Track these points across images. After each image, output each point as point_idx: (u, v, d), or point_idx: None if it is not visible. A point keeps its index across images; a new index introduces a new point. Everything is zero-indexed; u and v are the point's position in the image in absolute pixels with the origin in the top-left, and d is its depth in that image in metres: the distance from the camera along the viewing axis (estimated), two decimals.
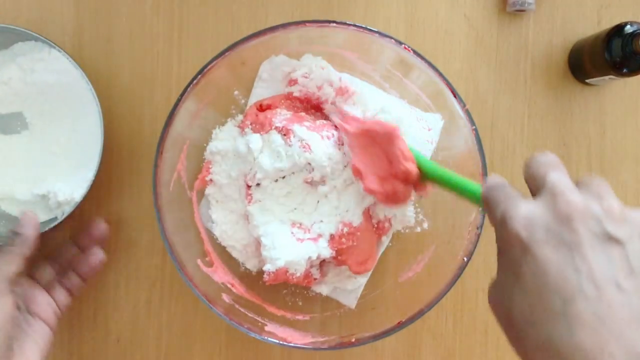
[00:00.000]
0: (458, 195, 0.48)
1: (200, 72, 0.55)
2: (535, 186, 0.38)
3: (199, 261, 0.58)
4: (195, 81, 0.55)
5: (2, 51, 0.63)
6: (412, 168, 0.53)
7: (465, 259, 0.55)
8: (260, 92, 0.62)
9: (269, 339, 0.54)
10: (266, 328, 0.56)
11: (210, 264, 0.59)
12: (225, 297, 0.58)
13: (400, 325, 0.55)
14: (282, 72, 0.61)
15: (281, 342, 0.54)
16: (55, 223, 0.60)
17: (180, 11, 0.67)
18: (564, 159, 0.67)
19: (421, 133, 0.61)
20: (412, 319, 0.55)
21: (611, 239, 0.34)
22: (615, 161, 0.68)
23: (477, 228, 0.55)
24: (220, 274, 0.59)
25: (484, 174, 0.56)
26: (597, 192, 0.35)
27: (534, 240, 0.34)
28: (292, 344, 0.55)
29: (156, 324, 0.66)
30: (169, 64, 0.67)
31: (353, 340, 0.56)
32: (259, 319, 0.58)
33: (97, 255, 0.61)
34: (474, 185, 0.46)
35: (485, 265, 0.65)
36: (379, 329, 0.56)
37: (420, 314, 0.55)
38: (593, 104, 0.68)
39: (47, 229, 0.60)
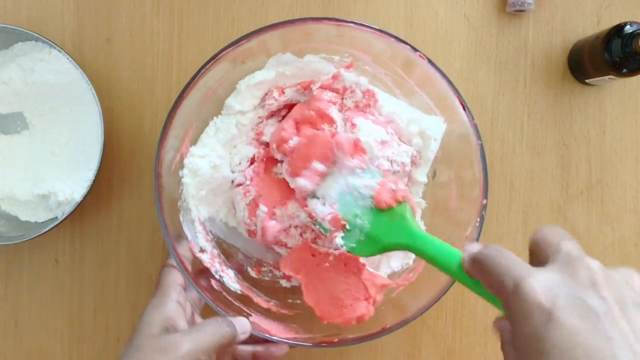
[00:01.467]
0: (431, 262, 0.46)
1: (208, 62, 0.55)
2: (544, 254, 0.36)
3: (191, 243, 0.58)
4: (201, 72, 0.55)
5: (2, 51, 0.63)
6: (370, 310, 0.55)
7: (442, 291, 0.55)
8: (260, 76, 0.61)
9: (252, 329, 0.54)
10: (250, 318, 0.56)
11: (203, 250, 0.59)
12: (214, 283, 0.58)
13: (385, 331, 0.55)
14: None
15: (263, 334, 0.54)
16: (56, 223, 0.60)
17: (180, 11, 0.67)
18: (564, 159, 0.67)
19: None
20: (396, 327, 0.55)
21: (639, 306, 0.32)
22: (615, 161, 0.68)
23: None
24: (212, 260, 0.59)
25: (485, 188, 0.55)
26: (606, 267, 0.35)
27: (559, 308, 0.32)
28: (274, 337, 0.54)
29: None
30: (169, 64, 0.67)
31: (336, 340, 0.56)
32: (244, 308, 0.58)
33: (281, 350, 0.57)
34: (454, 252, 0.43)
35: None
36: (364, 332, 0.56)
37: (404, 323, 0.55)
38: (593, 104, 0.68)
39: (47, 229, 0.60)
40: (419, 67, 0.57)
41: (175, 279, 0.54)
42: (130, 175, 0.67)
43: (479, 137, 0.56)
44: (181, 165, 0.58)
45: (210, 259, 0.59)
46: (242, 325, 0.52)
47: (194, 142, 0.60)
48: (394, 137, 0.60)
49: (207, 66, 0.55)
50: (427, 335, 0.67)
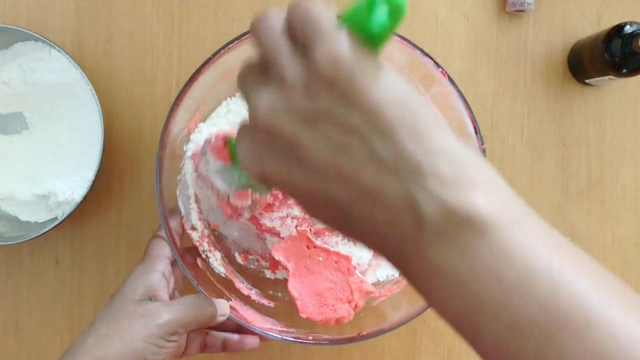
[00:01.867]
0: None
1: (212, 56, 0.55)
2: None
3: (184, 219, 0.58)
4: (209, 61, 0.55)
5: (2, 51, 0.63)
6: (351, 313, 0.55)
7: None
8: None
9: (230, 314, 0.54)
10: (230, 303, 0.56)
11: (194, 228, 0.59)
12: (199, 262, 0.58)
13: (360, 337, 0.55)
14: None
15: (240, 321, 0.54)
16: (56, 223, 0.60)
17: (180, 11, 0.67)
18: (564, 159, 0.67)
19: None
20: (371, 335, 0.55)
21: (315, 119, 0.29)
22: (615, 161, 0.68)
23: None
24: (202, 239, 0.59)
25: None
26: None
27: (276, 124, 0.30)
28: (250, 325, 0.54)
29: None
30: (169, 64, 0.67)
31: (310, 338, 0.56)
32: (225, 292, 0.58)
33: (253, 343, 0.58)
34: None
35: None
36: (340, 335, 0.56)
37: (381, 332, 0.55)
38: (593, 104, 0.68)
39: (47, 229, 0.60)
40: (438, 83, 0.57)
41: (163, 251, 0.55)
42: (130, 175, 0.67)
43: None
44: (187, 140, 0.58)
45: (200, 238, 0.59)
46: (223, 307, 0.53)
47: (203, 119, 0.60)
48: None
49: (230, 45, 0.54)
50: (427, 335, 0.67)
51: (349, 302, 0.57)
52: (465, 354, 0.67)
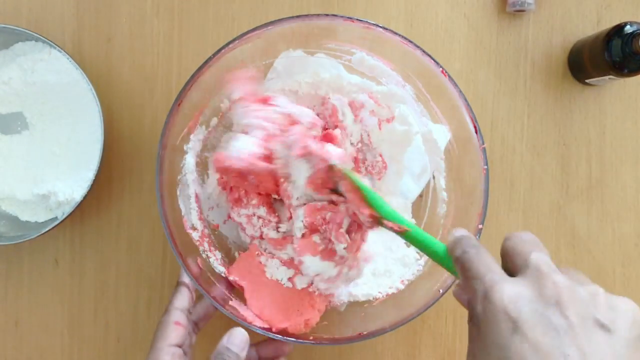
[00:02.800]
0: (420, 249, 0.46)
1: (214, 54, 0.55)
2: (514, 263, 0.38)
3: (184, 219, 0.58)
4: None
5: (2, 51, 0.63)
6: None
7: (441, 290, 0.55)
8: (272, 84, 0.61)
9: (230, 313, 0.54)
10: (230, 302, 0.56)
11: (194, 228, 0.59)
12: (200, 262, 0.58)
13: (360, 337, 0.55)
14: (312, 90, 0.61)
15: (239, 320, 0.54)
16: (56, 223, 0.60)
17: (180, 11, 0.67)
18: (564, 159, 0.67)
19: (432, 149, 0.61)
20: (371, 335, 0.55)
21: (600, 326, 0.34)
22: (615, 161, 0.68)
23: None
24: (202, 239, 0.59)
25: (483, 213, 0.55)
26: (577, 278, 0.36)
27: (524, 321, 0.34)
28: (250, 325, 0.54)
29: (156, 324, 0.66)
30: (169, 64, 0.67)
31: (310, 338, 0.56)
32: (226, 292, 0.58)
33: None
34: (438, 244, 0.44)
35: None
36: (340, 335, 0.56)
37: (381, 332, 0.55)
38: (593, 104, 0.68)
39: (47, 229, 0.60)
40: (441, 84, 0.57)
41: (182, 303, 0.55)
42: (130, 175, 0.67)
43: (485, 162, 0.56)
44: (187, 140, 0.59)
45: (200, 237, 0.59)
46: (241, 342, 0.51)
47: (203, 120, 0.60)
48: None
49: (230, 45, 0.54)
50: (427, 335, 0.67)
51: (312, 306, 0.58)
52: (465, 354, 0.66)
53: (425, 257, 0.60)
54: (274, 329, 0.56)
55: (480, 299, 0.37)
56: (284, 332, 0.56)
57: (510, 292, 0.35)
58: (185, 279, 0.56)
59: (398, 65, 0.60)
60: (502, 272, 0.37)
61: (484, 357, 0.36)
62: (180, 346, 0.53)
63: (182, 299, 0.55)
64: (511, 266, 0.38)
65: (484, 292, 0.36)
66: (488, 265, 0.38)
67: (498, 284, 0.36)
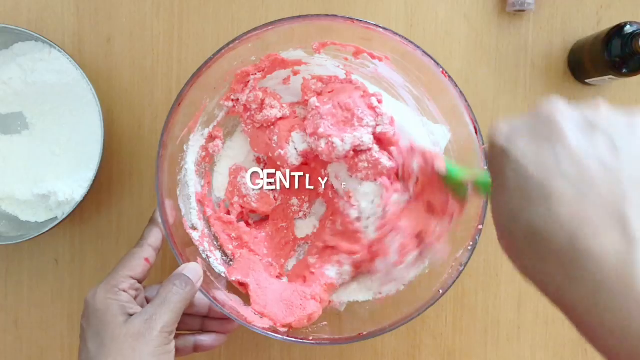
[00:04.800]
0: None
1: (214, 55, 0.55)
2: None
3: (184, 219, 0.58)
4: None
5: (2, 51, 0.63)
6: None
7: (441, 291, 0.55)
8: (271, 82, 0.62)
9: (230, 313, 0.54)
10: (230, 303, 0.56)
11: (194, 228, 0.60)
12: (200, 261, 0.58)
13: (360, 337, 0.55)
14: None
15: (240, 320, 0.54)
16: (56, 223, 0.60)
17: (180, 11, 0.67)
18: None
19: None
20: (371, 335, 0.55)
21: (594, 127, 0.33)
22: None
23: (461, 265, 0.55)
24: (202, 239, 0.59)
25: (483, 213, 0.55)
26: (587, 103, 0.35)
27: (511, 142, 0.34)
28: (250, 325, 0.54)
29: None
30: (169, 64, 0.67)
31: (310, 338, 0.56)
32: (226, 291, 0.58)
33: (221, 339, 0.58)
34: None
35: (486, 264, 0.66)
36: (341, 335, 0.56)
37: (381, 332, 0.55)
38: None
39: (47, 229, 0.60)
40: (441, 84, 0.57)
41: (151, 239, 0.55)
42: (130, 175, 0.67)
43: (485, 162, 0.55)
44: (187, 140, 0.59)
45: (200, 237, 0.59)
46: (196, 274, 0.53)
47: (204, 120, 0.60)
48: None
49: (230, 45, 0.54)
50: (427, 335, 0.67)
51: (314, 298, 0.58)
52: (465, 354, 0.67)
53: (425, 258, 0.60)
54: (278, 325, 0.56)
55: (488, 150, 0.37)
56: (288, 327, 0.56)
57: (505, 126, 0.36)
58: (159, 218, 0.56)
59: (398, 66, 0.60)
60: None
61: (495, 199, 0.35)
62: (140, 282, 0.54)
63: (156, 237, 0.55)
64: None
65: (490, 141, 0.37)
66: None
67: (498, 125, 0.36)
